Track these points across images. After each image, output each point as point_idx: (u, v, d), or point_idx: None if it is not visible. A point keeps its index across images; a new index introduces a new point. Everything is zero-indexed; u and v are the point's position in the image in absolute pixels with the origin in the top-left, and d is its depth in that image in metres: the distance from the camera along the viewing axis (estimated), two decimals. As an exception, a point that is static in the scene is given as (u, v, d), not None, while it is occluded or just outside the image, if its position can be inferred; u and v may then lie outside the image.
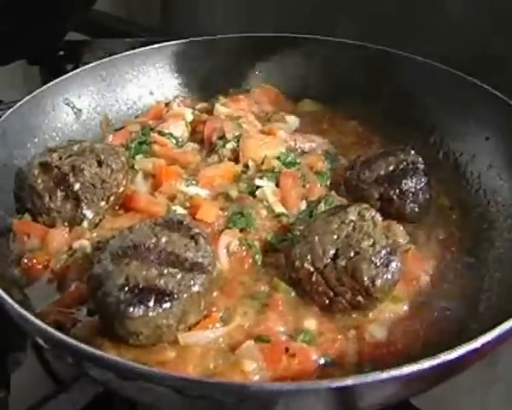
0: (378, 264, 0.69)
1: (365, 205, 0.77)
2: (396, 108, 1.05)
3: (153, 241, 0.66)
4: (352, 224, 0.73)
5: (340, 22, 1.21)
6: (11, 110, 0.84)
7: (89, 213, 0.80)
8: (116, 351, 0.63)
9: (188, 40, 1.11)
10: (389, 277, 0.70)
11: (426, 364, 0.53)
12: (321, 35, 1.14)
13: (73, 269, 0.73)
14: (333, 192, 0.88)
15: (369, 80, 1.08)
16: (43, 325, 0.54)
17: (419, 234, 0.86)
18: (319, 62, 1.12)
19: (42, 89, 0.91)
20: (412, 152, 0.90)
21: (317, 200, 0.85)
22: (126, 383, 0.52)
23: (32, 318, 0.56)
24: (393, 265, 0.71)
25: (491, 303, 0.76)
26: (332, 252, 0.71)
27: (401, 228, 0.84)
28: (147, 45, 1.16)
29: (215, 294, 0.70)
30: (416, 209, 0.86)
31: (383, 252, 0.70)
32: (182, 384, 0.49)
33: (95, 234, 0.78)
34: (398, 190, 0.85)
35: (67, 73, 1.07)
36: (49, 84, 0.92)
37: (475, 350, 0.55)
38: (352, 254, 0.70)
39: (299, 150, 0.97)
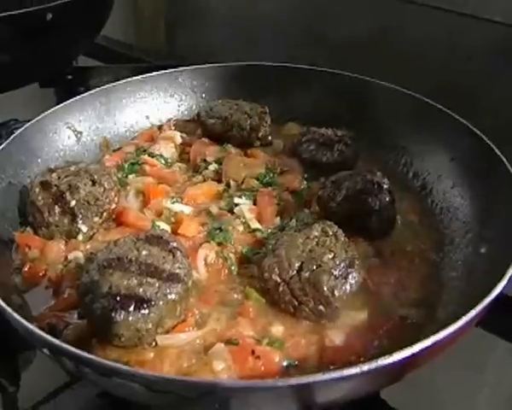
0: (337, 276, 0.74)
1: (329, 222, 0.82)
2: (370, 131, 1.10)
3: (134, 254, 0.71)
4: (315, 239, 0.79)
5: (318, 51, 1.28)
6: (16, 133, 0.90)
7: (83, 228, 0.86)
8: (102, 350, 0.69)
9: (180, 69, 1.18)
10: (348, 287, 0.75)
11: (365, 367, 0.58)
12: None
13: (67, 277, 0.79)
14: (305, 209, 0.94)
15: (345, 107, 1.13)
16: (30, 326, 0.60)
17: (384, 247, 0.90)
18: (300, 89, 1.18)
19: (45, 114, 0.97)
20: (378, 173, 0.95)
21: (290, 217, 0.91)
22: (102, 379, 0.58)
23: (18, 318, 0.62)
24: (352, 276, 0.76)
25: (448, 312, 0.81)
26: (297, 265, 0.76)
27: (366, 242, 0.92)
28: (152, 70, 1.23)
29: (192, 301, 0.76)
30: (380, 225, 0.91)
31: (342, 265, 0.76)
32: (147, 380, 0.55)
33: (88, 246, 0.84)
34: (363, 208, 0.91)
35: (80, 94, 1.16)
36: (51, 110, 0.98)
37: (410, 356, 0.60)
38: (314, 266, 0.75)
39: (278, 170, 1.04)
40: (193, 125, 1.12)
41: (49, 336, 0.61)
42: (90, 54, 1.78)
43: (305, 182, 1.00)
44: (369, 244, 0.89)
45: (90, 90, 1.17)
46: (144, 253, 0.72)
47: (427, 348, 0.62)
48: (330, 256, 0.76)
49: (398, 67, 1.23)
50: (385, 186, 0.94)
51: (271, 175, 0.98)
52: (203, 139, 1.07)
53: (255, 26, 1.61)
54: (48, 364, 0.81)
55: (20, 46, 1.21)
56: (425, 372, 0.81)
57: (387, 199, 0.92)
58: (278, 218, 0.91)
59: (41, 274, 0.81)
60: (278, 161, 1.03)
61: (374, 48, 1.32)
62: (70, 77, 1.49)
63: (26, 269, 0.81)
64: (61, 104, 1.01)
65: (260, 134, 1.08)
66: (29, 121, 0.99)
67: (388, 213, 0.92)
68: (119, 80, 1.19)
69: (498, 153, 0.93)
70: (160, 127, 1.13)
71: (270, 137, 1.09)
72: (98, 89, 1.09)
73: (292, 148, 1.08)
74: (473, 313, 0.65)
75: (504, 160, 0.91)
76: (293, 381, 0.58)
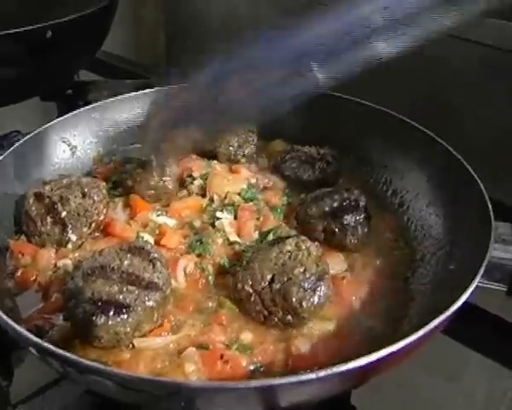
0: (306, 288, 0.81)
1: (303, 237, 0.89)
2: (352, 150, 1.18)
3: (117, 263, 0.79)
4: (288, 253, 0.85)
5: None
6: (13, 147, 0.98)
7: (73, 237, 0.94)
8: (83, 350, 0.76)
9: (171, 87, 1.25)
10: (316, 299, 0.81)
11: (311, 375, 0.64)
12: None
13: (56, 283, 0.86)
14: (283, 224, 1.01)
15: (330, 126, 1.20)
16: (17, 327, 0.67)
17: (357, 262, 0.97)
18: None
19: (40, 129, 1.05)
20: (356, 191, 1.02)
21: (268, 231, 0.97)
22: (81, 376, 0.64)
23: (7, 319, 0.69)
24: (320, 289, 0.82)
25: (412, 325, 0.87)
26: (269, 277, 0.83)
27: (341, 257, 0.98)
28: (149, 86, 1.31)
29: (170, 307, 0.83)
30: (355, 241, 0.97)
31: (312, 278, 0.82)
32: (121, 379, 0.62)
33: (77, 254, 0.92)
34: (339, 224, 0.97)
35: (79, 108, 1.24)
36: (47, 125, 1.06)
37: (365, 365, 0.66)
38: (285, 279, 0.82)
39: (261, 186, 1.10)
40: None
41: (34, 337, 0.68)
42: (91, 68, 1.88)
43: (285, 198, 1.07)
44: (343, 259, 0.96)
45: (89, 104, 1.26)
46: (126, 262, 0.79)
47: (382, 358, 0.67)
48: (301, 270, 0.82)
49: (381, 84, 1.30)
50: (361, 204, 1.01)
51: (253, 191, 1.05)
52: (191, 155, 1.14)
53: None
54: (38, 362, 0.90)
55: (20, 62, 1.29)
56: (397, 380, 0.89)
57: (363, 216, 0.99)
58: (257, 232, 0.98)
59: (32, 279, 0.89)
60: (261, 178, 1.10)
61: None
62: (70, 91, 1.57)
63: (19, 274, 0.89)
64: (57, 120, 1.09)
65: (246, 151, 1.16)
66: (29, 134, 1.07)
67: (363, 229, 0.98)
68: (117, 95, 1.27)
69: (472, 172, 0.99)
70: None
71: (255, 155, 1.17)
72: (92, 105, 1.17)
73: (275, 165, 1.15)
74: (422, 332, 0.70)
75: (478, 180, 0.98)
76: (253, 383, 0.65)
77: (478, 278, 0.76)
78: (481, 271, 0.78)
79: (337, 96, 1.21)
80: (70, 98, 1.59)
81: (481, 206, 0.93)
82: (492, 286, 0.90)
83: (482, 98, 1.31)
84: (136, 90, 1.29)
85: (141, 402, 0.70)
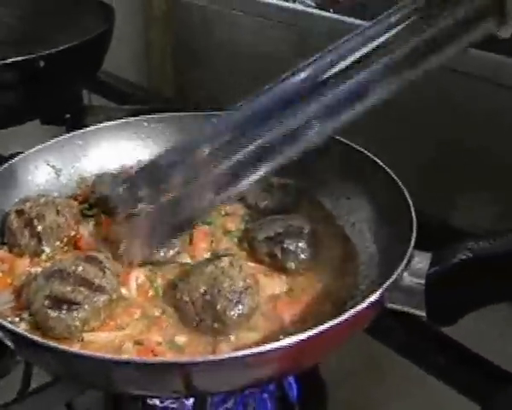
0: (230, 299, 1.13)
1: (237, 257, 1.22)
2: (312, 180, 1.50)
3: (72, 269, 1.14)
4: (222, 269, 1.18)
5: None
6: (1, 168, 1.36)
7: (47, 249, 1.31)
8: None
9: (157, 116, 1.62)
10: (238, 310, 1.13)
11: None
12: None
13: (27, 286, 1.22)
14: (234, 247, 1.34)
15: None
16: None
17: (298, 284, 1.27)
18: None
19: (27, 153, 1.43)
20: (301, 219, 1.35)
21: (217, 253, 1.31)
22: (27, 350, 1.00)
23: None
24: (244, 301, 1.14)
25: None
26: (203, 289, 1.15)
27: (283, 278, 1.29)
28: (148, 113, 1.68)
29: (119, 310, 1.16)
30: (296, 265, 1.28)
31: (237, 291, 1.14)
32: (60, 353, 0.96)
33: (48, 264, 1.28)
34: (281, 249, 1.29)
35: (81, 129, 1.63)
36: (31, 150, 1.44)
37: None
38: (215, 291, 1.14)
39: (222, 213, 1.44)
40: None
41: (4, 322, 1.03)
42: (100, 92, 2.30)
43: (243, 224, 1.40)
44: (285, 280, 1.28)
45: (86, 127, 1.65)
46: (80, 268, 1.14)
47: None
48: (229, 283, 1.15)
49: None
50: (305, 231, 1.32)
51: (212, 216, 1.39)
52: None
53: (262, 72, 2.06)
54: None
55: (15, 89, 1.70)
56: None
57: (305, 242, 1.30)
58: (209, 253, 1.31)
59: (9, 282, 1.25)
60: (224, 205, 1.44)
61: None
62: (68, 115, 1.98)
63: (-1, 279, 1.26)
64: (42, 145, 1.47)
65: None
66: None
67: (305, 254, 1.30)
68: (110, 120, 1.65)
69: (409, 201, 1.28)
70: (131, 167, 1.57)
71: None
72: (74, 132, 1.55)
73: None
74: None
75: (412, 210, 1.27)
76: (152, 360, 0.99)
77: (368, 301, 1.06)
78: (377, 294, 1.08)
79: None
80: (68, 122, 2.00)
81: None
82: (412, 311, 1.20)
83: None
84: (132, 115, 1.68)
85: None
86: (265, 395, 1.36)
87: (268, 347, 0.96)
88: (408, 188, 1.31)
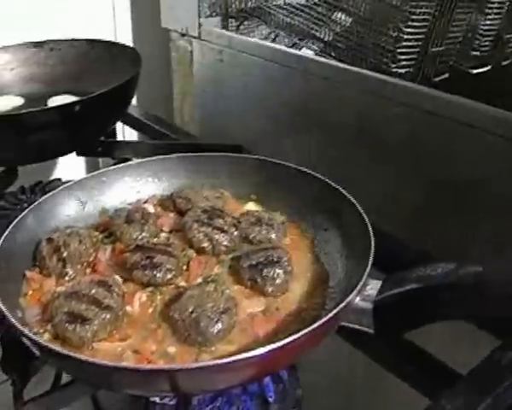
0: (212, 318, 1.36)
1: (221, 282, 1.46)
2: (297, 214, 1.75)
3: (87, 290, 1.40)
4: (207, 293, 1.42)
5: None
6: (34, 204, 1.63)
7: (70, 271, 1.56)
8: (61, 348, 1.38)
9: (168, 156, 1.88)
10: (218, 327, 1.35)
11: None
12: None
13: (52, 302, 1.49)
14: (224, 272, 1.58)
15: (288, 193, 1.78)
16: (21, 327, 1.29)
17: (274, 305, 1.48)
18: (256, 175, 1.85)
19: (57, 190, 1.70)
20: (281, 249, 1.56)
21: (208, 277, 1.55)
22: (48, 357, 1.26)
23: (14, 322, 1.31)
24: (223, 320, 1.36)
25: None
26: (191, 308, 1.39)
27: (261, 300, 1.52)
28: (173, 150, 1.97)
29: (123, 324, 1.41)
30: (273, 290, 1.49)
31: (218, 311, 1.37)
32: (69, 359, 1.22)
33: (71, 283, 1.54)
34: (260, 276, 1.51)
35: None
36: (61, 187, 1.71)
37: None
38: (200, 310, 1.38)
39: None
40: (168, 202, 1.82)
41: (28, 333, 1.30)
42: (133, 126, 2.61)
43: (233, 253, 1.64)
44: (264, 301, 1.50)
45: (115, 159, 1.92)
46: (93, 291, 1.41)
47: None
48: (212, 305, 1.38)
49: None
50: (283, 260, 1.55)
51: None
52: (170, 214, 1.76)
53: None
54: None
55: (54, 129, 1.99)
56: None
57: (282, 270, 1.53)
58: (201, 278, 1.55)
59: (38, 299, 1.52)
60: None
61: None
62: (100, 149, 2.27)
63: (29, 295, 1.52)
64: (72, 182, 1.75)
65: None
66: (68, 182, 1.75)
67: (281, 280, 1.52)
68: (137, 156, 1.93)
69: (372, 242, 1.50)
70: (145, 201, 1.84)
71: None
72: (103, 170, 1.82)
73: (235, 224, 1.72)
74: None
75: (371, 235, 1.48)
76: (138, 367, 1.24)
77: (323, 321, 1.28)
78: (331, 315, 1.30)
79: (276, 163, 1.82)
80: (99, 154, 2.29)
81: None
82: (362, 329, 1.41)
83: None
84: (155, 153, 1.95)
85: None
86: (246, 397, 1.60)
87: (235, 357, 1.20)
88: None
